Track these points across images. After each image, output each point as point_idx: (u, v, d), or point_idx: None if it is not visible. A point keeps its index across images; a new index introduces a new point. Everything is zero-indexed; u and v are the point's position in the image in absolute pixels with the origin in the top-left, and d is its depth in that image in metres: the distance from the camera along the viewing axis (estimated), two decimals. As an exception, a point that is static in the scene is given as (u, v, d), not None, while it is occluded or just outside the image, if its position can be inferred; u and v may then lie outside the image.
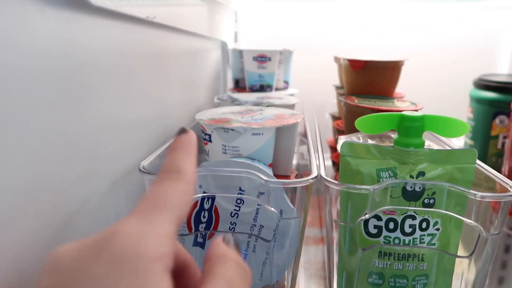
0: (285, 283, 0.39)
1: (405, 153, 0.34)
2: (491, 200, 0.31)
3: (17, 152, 0.23)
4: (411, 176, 0.34)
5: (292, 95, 0.73)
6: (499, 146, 0.69)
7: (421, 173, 0.34)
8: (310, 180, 0.34)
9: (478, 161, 0.35)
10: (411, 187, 0.34)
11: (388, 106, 0.51)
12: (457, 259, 0.37)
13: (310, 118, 0.66)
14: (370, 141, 0.42)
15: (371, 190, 0.32)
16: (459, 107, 0.81)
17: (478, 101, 0.72)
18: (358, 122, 0.36)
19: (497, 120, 0.69)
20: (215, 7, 0.69)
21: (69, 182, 0.29)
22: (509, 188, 0.31)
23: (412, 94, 0.76)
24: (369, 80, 0.60)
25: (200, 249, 0.39)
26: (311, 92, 0.85)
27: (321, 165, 0.36)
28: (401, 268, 0.36)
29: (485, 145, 0.71)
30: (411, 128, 0.34)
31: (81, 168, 0.30)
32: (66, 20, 0.27)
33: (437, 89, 0.90)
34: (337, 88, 0.74)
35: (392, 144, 0.35)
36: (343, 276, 0.38)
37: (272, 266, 0.37)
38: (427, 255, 0.36)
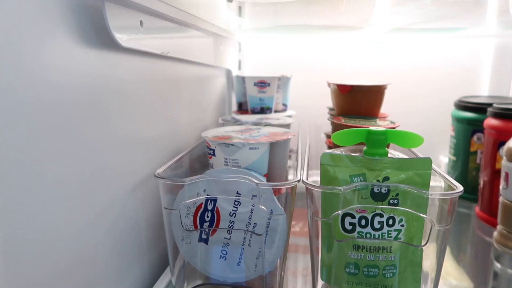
0: (276, 273, 0.46)
1: (372, 161, 0.42)
2: (438, 197, 0.38)
3: (59, 161, 0.31)
4: (378, 180, 0.41)
5: (290, 116, 0.81)
6: (478, 161, 0.76)
7: (386, 178, 0.42)
8: (294, 183, 0.41)
9: (433, 167, 0.42)
10: (378, 189, 0.41)
11: (371, 124, 0.59)
12: (424, 253, 0.43)
13: (305, 136, 0.74)
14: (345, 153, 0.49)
15: (342, 190, 0.39)
16: (443, 126, 0.89)
17: (458, 121, 0.79)
18: (334, 136, 0.43)
19: (475, 138, 0.76)
20: (220, 39, 0.78)
21: (96, 188, 0.37)
22: (454, 188, 0.38)
23: (399, 115, 0.84)
24: (355, 102, 0.68)
25: (205, 245, 0.46)
26: (308, 114, 0.93)
27: (304, 172, 0.44)
28: (373, 259, 0.43)
29: (466, 160, 0.78)
30: (376, 140, 0.41)
31: (106, 175, 0.38)
32: (102, 58, 0.36)
33: (424, 111, 0.97)
34: (330, 109, 0.82)
35: (362, 155, 0.43)
36: (325, 268, 0.44)
37: (263, 258, 0.44)
38: (394, 247, 0.42)
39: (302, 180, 0.41)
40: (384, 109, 0.75)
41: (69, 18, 0.31)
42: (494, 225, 0.60)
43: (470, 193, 0.77)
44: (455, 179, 0.80)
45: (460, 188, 0.38)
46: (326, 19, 0.57)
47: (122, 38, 0.36)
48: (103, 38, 0.35)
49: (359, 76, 0.98)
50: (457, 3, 0.49)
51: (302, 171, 0.44)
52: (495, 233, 0.58)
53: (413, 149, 0.57)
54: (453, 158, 0.81)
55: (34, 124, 0.28)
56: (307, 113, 0.93)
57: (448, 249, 0.62)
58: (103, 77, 0.36)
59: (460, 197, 0.79)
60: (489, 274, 0.56)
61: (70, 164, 0.32)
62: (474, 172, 0.77)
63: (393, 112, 0.79)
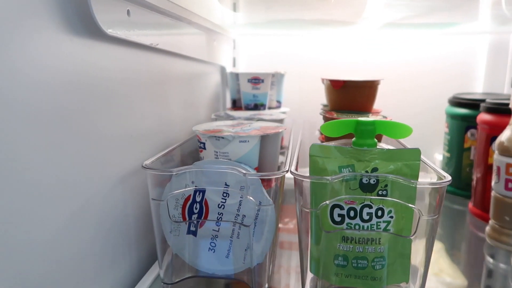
0: (265, 266, 0.46)
1: (361, 152, 0.41)
2: (425, 187, 0.38)
3: (40, 153, 0.31)
4: (367, 171, 0.41)
5: (284, 113, 0.81)
6: (472, 157, 0.76)
7: (375, 169, 0.41)
8: (282, 173, 0.41)
9: (422, 158, 0.42)
10: (367, 180, 0.41)
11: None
12: (414, 247, 0.43)
13: (298, 132, 0.74)
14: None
15: (330, 180, 0.39)
16: (437, 123, 0.89)
17: (452, 117, 0.79)
18: (323, 127, 0.43)
19: (468, 134, 0.75)
20: (213, 35, 0.78)
21: (80, 180, 0.36)
22: (442, 178, 0.38)
23: (393, 112, 0.84)
24: (348, 98, 0.68)
25: (193, 237, 0.45)
26: (302, 112, 0.93)
27: (293, 163, 0.44)
28: (362, 251, 0.42)
29: (460, 156, 0.77)
30: (364, 131, 0.41)
31: (90, 167, 0.38)
32: (88, 47, 0.35)
33: (418, 108, 0.97)
34: (324, 106, 0.82)
35: (351, 145, 0.43)
36: (314, 260, 0.44)
37: (252, 250, 0.43)
38: (383, 239, 0.42)
39: (291, 170, 0.41)
40: (377, 106, 0.75)
41: (52, 5, 0.30)
42: (487, 220, 0.60)
43: (464, 189, 0.77)
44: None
45: (448, 178, 0.38)
46: (318, 13, 0.57)
47: (107, 26, 0.35)
48: (88, 27, 0.34)
49: (354, 73, 0.98)
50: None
51: (291, 163, 0.43)
52: (487, 228, 0.58)
53: (406, 144, 0.56)
54: (447, 154, 0.80)
55: (15, 115, 0.27)
56: (301, 110, 0.93)
57: (441, 246, 0.62)
58: (90, 67, 0.36)
59: (454, 193, 0.79)
60: (481, 270, 0.56)
61: (52, 156, 0.32)
62: (468, 169, 0.76)
63: (386, 109, 0.78)
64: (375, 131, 0.41)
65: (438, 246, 0.63)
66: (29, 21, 0.28)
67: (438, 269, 0.58)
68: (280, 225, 0.67)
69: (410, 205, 0.39)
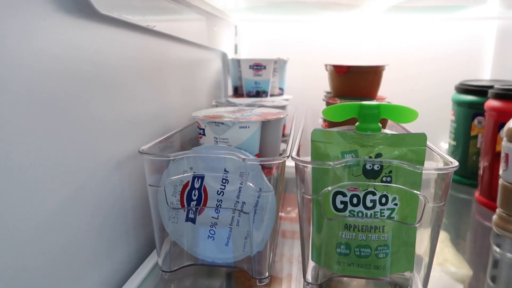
0: (266, 254, 0.45)
1: (364, 137, 0.40)
2: (431, 172, 0.36)
3: (37, 136, 0.30)
4: (370, 157, 0.40)
5: (286, 100, 0.79)
6: (478, 145, 0.74)
7: (379, 155, 0.40)
8: (283, 158, 0.40)
9: (428, 143, 0.41)
10: (370, 166, 0.39)
11: (367, 105, 0.57)
12: (418, 234, 0.42)
13: (300, 120, 0.72)
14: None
15: (332, 165, 0.38)
16: (443, 111, 0.87)
17: (459, 104, 0.77)
18: (325, 112, 0.42)
19: (475, 121, 0.74)
20: (214, 20, 0.76)
21: (77, 164, 0.35)
22: (449, 163, 0.37)
23: (398, 100, 0.82)
24: (352, 83, 0.66)
25: (192, 224, 0.44)
26: (305, 99, 0.91)
27: (295, 149, 0.42)
28: (364, 239, 0.41)
29: (466, 144, 0.76)
30: (368, 115, 0.40)
31: (84, 152, 0.37)
32: (81, 27, 0.34)
33: (424, 96, 0.95)
34: (327, 93, 0.80)
35: (354, 131, 0.41)
36: (315, 248, 0.43)
37: (252, 238, 0.42)
38: (387, 227, 0.41)
39: (292, 156, 0.40)
40: (382, 92, 0.74)
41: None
42: (494, 209, 0.58)
43: (470, 178, 0.75)
44: (455, 164, 0.79)
45: (455, 163, 0.37)
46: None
47: (100, 4, 0.34)
48: (80, 4, 0.33)
49: (358, 59, 0.96)
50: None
51: (292, 148, 0.42)
52: (495, 217, 0.56)
53: (410, 131, 0.55)
54: (453, 142, 0.79)
55: (6, 101, 0.26)
56: (304, 98, 0.92)
57: (446, 235, 0.61)
58: (84, 50, 0.34)
59: (460, 182, 0.78)
60: (488, 259, 0.55)
61: (46, 141, 0.30)
62: (475, 157, 0.75)
63: (392, 96, 0.76)
64: (380, 115, 0.40)
65: (443, 235, 0.62)
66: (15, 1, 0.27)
67: (443, 259, 0.57)
68: (282, 214, 0.66)
69: (415, 191, 0.38)
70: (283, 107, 0.67)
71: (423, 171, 0.37)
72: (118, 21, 0.39)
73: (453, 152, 0.79)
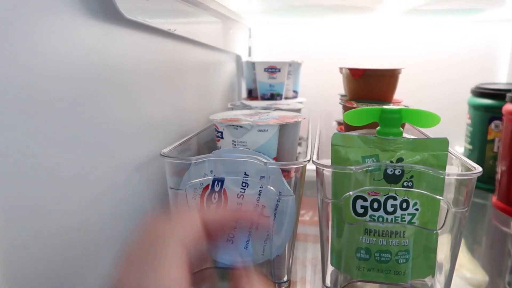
0: (285, 258, 0.45)
1: (385, 142, 0.40)
2: (455, 178, 0.36)
3: (58, 141, 0.30)
4: (391, 162, 0.40)
5: (300, 103, 0.79)
6: (495, 149, 0.73)
7: (400, 159, 0.40)
8: (304, 162, 0.40)
9: (450, 149, 0.41)
10: (391, 171, 0.39)
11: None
12: (440, 239, 0.42)
13: (316, 123, 0.72)
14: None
15: (354, 170, 0.38)
16: (459, 115, 0.86)
17: (475, 108, 0.76)
18: (346, 116, 0.42)
19: (492, 125, 0.73)
20: (229, 23, 0.76)
21: (98, 168, 0.36)
22: (472, 169, 0.37)
23: (414, 103, 0.81)
24: (368, 87, 0.66)
25: (211, 227, 0.44)
26: (319, 102, 0.91)
27: (315, 152, 0.42)
28: (385, 244, 0.41)
29: (483, 149, 0.75)
30: (390, 119, 0.39)
31: (108, 155, 0.37)
32: (107, 32, 0.34)
33: (439, 99, 0.94)
34: (342, 96, 0.80)
35: (375, 135, 0.41)
36: (335, 253, 0.43)
37: (271, 242, 0.42)
38: (408, 232, 0.41)
39: (312, 160, 0.40)
40: (398, 96, 0.73)
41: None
42: (512, 214, 0.58)
43: (487, 183, 0.74)
44: (471, 169, 0.78)
45: (479, 168, 0.36)
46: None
47: (126, 10, 0.34)
48: (107, 10, 0.33)
49: (372, 63, 0.96)
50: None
51: (312, 152, 0.42)
52: (514, 222, 0.56)
53: (429, 135, 0.54)
54: (469, 147, 0.78)
55: (29, 104, 0.27)
56: (318, 100, 0.91)
57: (463, 241, 0.61)
58: (107, 53, 0.35)
59: (476, 187, 0.77)
60: (504, 265, 0.54)
61: (67, 146, 0.31)
62: (491, 161, 0.74)
63: (407, 99, 0.76)
64: (401, 120, 0.40)
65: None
66: (44, 3, 0.27)
67: (458, 264, 0.56)
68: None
69: (438, 196, 0.38)
70: (298, 110, 0.67)
71: (446, 177, 0.37)
72: (140, 25, 0.40)
73: (469, 156, 0.79)
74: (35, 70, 0.26)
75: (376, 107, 0.40)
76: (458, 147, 0.92)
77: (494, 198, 0.68)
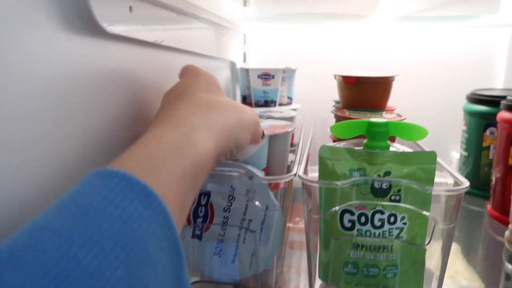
0: (273, 272, 0.44)
1: (373, 155, 0.39)
2: (442, 194, 0.36)
3: (37, 157, 0.30)
4: (379, 175, 0.39)
5: (294, 110, 0.79)
6: (491, 156, 0.72)
7: (388, 173, 0.39)
8: (290, 176, 0.39)
9: (439, 160, 0.40)
10: (379, 185, 0.39)
11: (376, 117, 0.56)
12: (428, 253, 0.41)
13: (309, 130, 0.72)
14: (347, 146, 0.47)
15: (339, 185, 0.37)
16: (455, 120, 0.85)
17: (470, 114, 0.75)
18: (333, 128, 0.41)
19: (487, 132, 0.72)
20: (222, 30, 0.76)
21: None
22: (460, 183, 0.36)
23: (409, 109, 0.81)
24: (361, 95, 0.65)
25: (198, 241, 0.44)
26: (314, 108, 0.90)
27: (302, 165, 0.42)
28: (373, 258, 0.41)
29: (478, 156, 0.74)
30: (377, 132, 0.39)
31: (88, 168, 0.37)
32: (88, 45, 0.34)
33: (435, 104, 0.94)
34: (336, 102, 0.79)
35: (362, 148, 0.40)
36: (322, 266, 0.42)
37: (258, 256, 0.42)
38: (395, 246, 0.40)
39: (298, 174, 0.39)
40: (393, 102, 0.73)
41: (47, 1, 0.29)
42: (507, 223, 0.57)
43: (482, 190, 0.74)
44: (467, 176, 0.78)
45: (466, 183, 0.36)
46: (329, 6, 0.54)
47: (108, 23, 0.34)
48: (87, 24, 0.33)
49: (368, 68, 0.95)
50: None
51: (299, 165, 0.42)
52: (507, 233, 0.55)
53: (421, 144, 0.54)
54: (465, 153, 0.77)
55: (11, 120, 0.26)
56: (314, 106, 0.91)
57: (458, 248, 0.60)
58: (90, 68, 0.34)
59: (471, 194, 0.77)
60: (499, 275, 0.53)
61: (46, 161, 0.31)
62: (487, 168, 0.73)
63: (403, 105, 0.76)
64: (388, 133, 0.39)
65: (454, 247, 0.61)
66: (22, 18, 0.27)
67: (454, 272, 0.56)
68: (290, 225, 0.66)
69: (424, 212, 0.37)
70: (291, 119, 0.66)
71: (433, 192, 0.36)
72: (126, 37, 0.39)
73: (464, 163, 0.78)
74: (9, 91, 0.26)
75: (363, 120, 0.40)
76: (455, 153, 0.92)
77: (489, 206, 0.68)
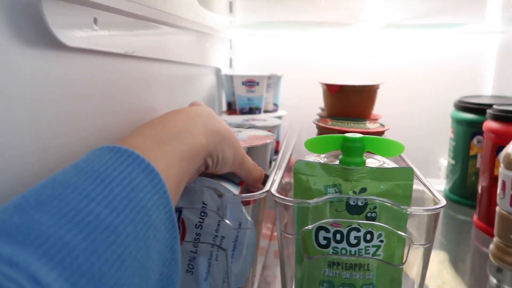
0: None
1: (348, 171, 0.38)
2: (418, 213, 0.34)
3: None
4: (354, 192, 0.38)
5: (279, 117, 0.78)
6: (478, 165, 0.71)
7: (364, 189, 0.38)
8: (262, 194, 0.38)
9: (418, 175, 0.39)
10: (354, 202, 0.38)
11: (359, 127, 0.55)
12: (405, 270, 0.40)
13: (292, 139, 0.70)
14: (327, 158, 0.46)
15: (311, 203, 0.36)
16: (444, 127, 0.84)
17: (457, 122, 0.74)
18: (307, 143, 0.40)
19: (475, 140, 0.71)
20: (205, 37, 0.74)
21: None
22: (437, 202, 0.35)
23: (397, 117, 0.80)
24: (345, 103, 0.64)
25: (170, 257, 0.43)
26: (301, 114, 0.89)
27: (275, 181, 0.40)
28: (349, 277, 0.39)
29: (465, 164, 0.73)
30: (352, 148, 0.38)
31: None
32: (47, 59, 0.32)
33: (424, 112, 0.93)
34: (322, 110, 0.78)
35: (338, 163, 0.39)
36: (298, 283, 0.41)
37: (230, 274, 0.40)
38: (372, 265, 0.39)
39: (271, 192, 0.38)
40: (381, 110, 0.72)
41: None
42: (493, 235, 0.56)
43: (469, 199, 0.73)
44: (454, 184, 0.76)
45: (442, 202, 0.35)
46: (308, 15, 0.53)
47: (68, 36, 0.32)
48: (45, 37, 0.31)
49: (355, 76, 0.94)
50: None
51: (273, 181, 0.40)
52: (492, 246, 0.54)
53: (404, 156, 0.53)
54: (452, 161, 0.76)
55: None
56: (300, 113, 0.89)
57: (445, 257, 0.60)
58: (51, 83, 0.33)
59: (459, 203, 0.75)
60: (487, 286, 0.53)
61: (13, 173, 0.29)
62: (474, 177, 0.72)
63: (391, 113, 0.75)
64: (364, 149, 0.38)
65: (441, 257, 0.60)
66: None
67: (442, 281, 0.55)
68: (275, 233, 0.65)
69: (400, 232, 0.36)
70: (274, 128, 0.65)
71: (408, 212, 0.35)
72: (90, 50, 0.38)
73: (451, 171, 0.77)
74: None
75: (337, 135, 0.38)
76: (443, 160, 0.90)
77: (475, 217, 0.66)
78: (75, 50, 0.35)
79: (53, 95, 0.33)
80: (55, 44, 0.32)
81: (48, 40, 0.31)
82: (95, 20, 0.36)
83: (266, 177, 0.42)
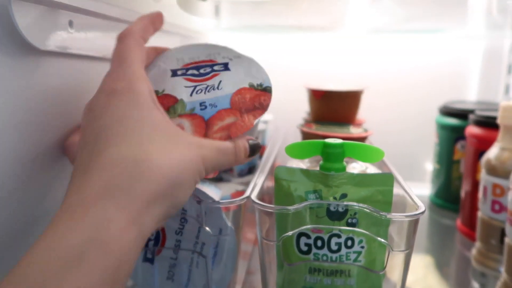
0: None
1: (328, 177, 0.38)
2: (397, 219, 0.34)
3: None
4: (335, 198, 0.38)
5: (265, 122, 0.77)
6: (462, 170, 0.72)
7: (344, 195, 0.38)
8: (242, 200, 0.37)
9: (400, 181, 0.39)
10: (335, 208, 0.37)
11: (343, 132, 0.55)
12: (388, 276, 0.40)
13: (277, 143, 0.70)
14: (311, 163, 0.46)
15: (291, 210, 0.36)
16: (430, 132, 0.84)
17: (442, 127, 0.75)
18: (288, 149, 0.39)
19: (458, 145, 0.72)
20: (189, 41, 0.74)
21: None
22: (416, 207, 0.35)
23: (383, 121, 0.80)
24: (330, 108, 0.64)
25: (150, 265, 0.42)
26: (290, 118, 0.89)
27: (258, 186, 0.40)
28: (330, 283, 0.39)
29: (449, 169, 0.74)
30: (332, 154, 0.37)
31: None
32: (17, 62, 0.32)
33: (409, 116, 0.93)
34: (309, 114, 0.78)
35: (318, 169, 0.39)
36: (279, 291, 0.41)
37: (211, 280, 0.40)
38: (353, 271, 0.39)
39: (251, 197, 0.37)
40: (366, 115, 0.72)
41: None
42: (475, 240, 0.56)
43: (454, 203, 0.73)
44: (439, 189, 0.77)
45: (422, 208, 0.35)
46: (291, 19, 0.53)
47: (40, 40, 0.32)
48: (16, 41, 0.30)
49: (341, 80, 0.94)
50: (430, 3, 0.45)
51: (254, 186, 0.40)
52: (474, 250, 0.54)
53: (387, 161, 0.53)
54: (437, 166, 0.77)
55: None
56: (287, 117, 0.89)
57: (430, 261, 0.60)
58: (27, 89, 0.32)
59: (443, 207, 0.76)
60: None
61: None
62: (457, 182, 0.73)
63: (377, 118, 0.75)
64: (344, 155, 0.38)
65: (426, 261, 0.60)
66: None
67: (427, 286, 0.55)
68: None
69: (379, 239, 0.36)
70: (259, 132, 0.65)
71: (388, 217, 0.35)
72: (66, 53, 0.37)
73: (436, 176, 0.77)
74: None
75: (318, 140, 0.38)
76: (429, 164, 0.91)
77: (458, 221, 0.67)
78: (50, 53, 0.34)
79: (25, 101, 0.32)
80: (27, 47, 0.31)
81: (19, 44, 0.30)
82: (70, 23, 0.36)
83: (256, 146, 0.36)
